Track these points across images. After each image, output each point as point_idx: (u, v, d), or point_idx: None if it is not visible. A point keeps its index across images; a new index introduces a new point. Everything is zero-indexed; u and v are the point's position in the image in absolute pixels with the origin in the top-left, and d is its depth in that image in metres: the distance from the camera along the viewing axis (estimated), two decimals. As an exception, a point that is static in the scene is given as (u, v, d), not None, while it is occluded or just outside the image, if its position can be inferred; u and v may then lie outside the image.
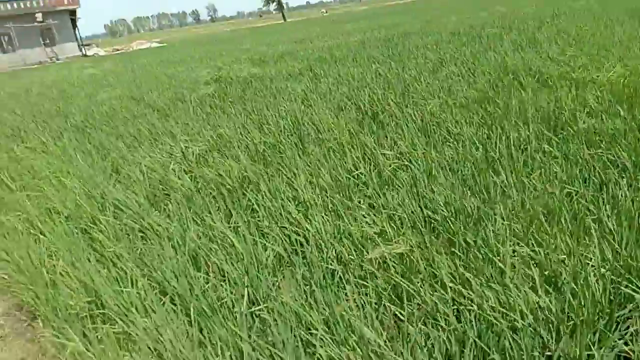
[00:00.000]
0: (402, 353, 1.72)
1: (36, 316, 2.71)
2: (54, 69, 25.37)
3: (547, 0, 18.96)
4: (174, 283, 2.32)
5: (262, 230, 2.89)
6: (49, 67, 28.85)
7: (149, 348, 2.00)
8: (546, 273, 2.03)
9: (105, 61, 25.57)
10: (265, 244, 2.68)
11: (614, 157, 3.08)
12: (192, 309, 2.11)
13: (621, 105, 3.98)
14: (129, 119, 6.84)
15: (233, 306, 2.18)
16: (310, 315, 1.99)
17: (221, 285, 2.35)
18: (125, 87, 10.87)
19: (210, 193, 3.54)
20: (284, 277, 2.37)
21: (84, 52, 44.23)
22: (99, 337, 2.15)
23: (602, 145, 3.26)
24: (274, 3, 76.86)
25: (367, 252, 2.40)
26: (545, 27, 10.00)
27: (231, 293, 2.28)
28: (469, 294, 1.93)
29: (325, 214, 2.90)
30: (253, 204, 3.26)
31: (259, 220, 3.03)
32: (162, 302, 2.25)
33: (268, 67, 10.52)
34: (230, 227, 2.93)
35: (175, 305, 2.25)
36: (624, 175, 2.85)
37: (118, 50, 45.72)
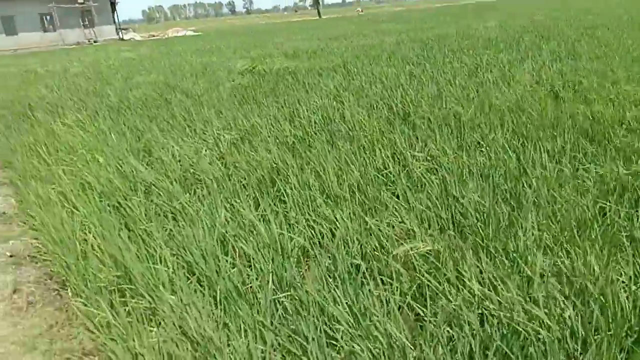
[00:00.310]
0: (423, 350, 1.73)
1: (65, 285, 2.80)
2: (92, 50, 25.93)
3: (587, 10, 18.56)
4: (202, 264, 2.37)
5: (289, 221, 2.92)
6: (86, 48, 29.52)
7: (174, 324, 2.05)
8: (575, 285, 2.01)
9: (141, 46, 26.02)
10: (291, 235, 2.71)
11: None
12: (218, 291, 2.15)
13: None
14: (163, 104, 6.96)
15: (258, 292, 2.22)
16: (333, 307, 2.01)
17: (247, 270, 2.39)
18: (160, 73, 11.05)
19: (240, 181, 3.59)
20: (308, 267, 2.40)
21: (121, 36, 45.06)
22: (126, 309, 2.21)
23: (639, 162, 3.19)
24: (310, -1, 76.97)
25: (393, 250, 2.41)
26: (586, 39, 9.79)
27: (256, 279, 2.32)
28: (495, 299, 1.93)
29: (352, 209, 2.92)
30: (281, 194, 3.30)
31: (286, 211, 3.07)
32: (189, 282, 2.31)
33: (301, 61, 10.56)
34: (258, 214, 2.97)
35: (202, 286, 2.29)
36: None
37: (154, 36, 46.41)
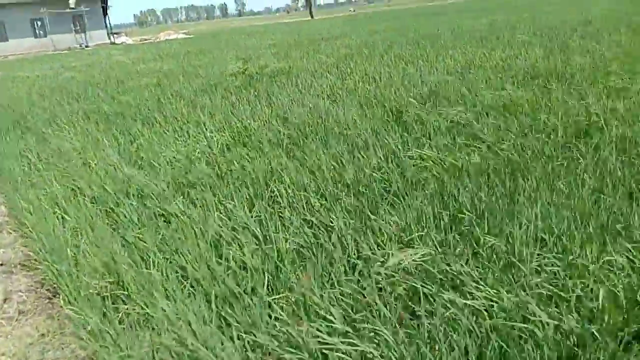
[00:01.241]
0: (419, 347, 1.70)
1: (57, 293, 2.75)
2: (83, 55, 25.81)
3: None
4: (195, 269, 2.33)
5: (283, 222, 2.89)
6: (77, 53, 29.39)
7: (169, 330, 2.01)
8: (570, 282, 1.99)
9: (133, 50, 25.92)
10: (286, 236, 2.68)
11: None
12: (212, 295, 2.12)
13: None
14: (155, 107, 6.91)
15: (253, 294, 2.18)
16: (329, 309, 1.99)
17: (242, 272, 2.35)
18: (153, 76, 10.99)
19: (234, 183, 3.56)
20: (305, 268, 2.37)
21: (113, 40, 44.86)
22: (119, 317, 2.17)
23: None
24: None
25: (390, 252, 2.38)
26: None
27: (250, 281, 2.29)
28: (491, 299, 1.91)
29: (348, 209, 2.89)
30: (276, 195, 3.27)
31: (280, 212, 3.04)
32: (182, 286, 2.27)
33: (294, 62, 10.53)
34: (252, 216, 2.94)
35: (195, 290, 2.26)
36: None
37: (146, 40, 46.19)
